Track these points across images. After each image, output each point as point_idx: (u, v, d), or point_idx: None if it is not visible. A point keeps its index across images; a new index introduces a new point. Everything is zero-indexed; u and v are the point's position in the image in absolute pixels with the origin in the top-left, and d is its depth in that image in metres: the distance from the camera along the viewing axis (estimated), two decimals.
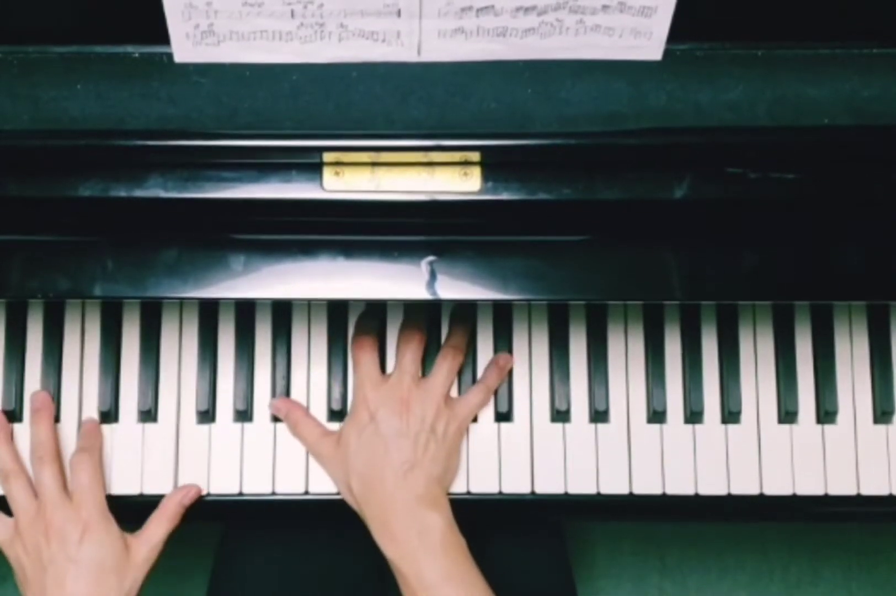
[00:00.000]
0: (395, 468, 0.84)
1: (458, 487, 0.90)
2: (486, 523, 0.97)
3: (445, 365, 0.89)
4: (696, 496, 0.90)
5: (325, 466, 0.89)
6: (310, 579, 0.98)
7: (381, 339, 0.92)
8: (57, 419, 0.91)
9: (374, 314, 0.92)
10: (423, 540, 0.82)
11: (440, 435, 0.87)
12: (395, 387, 0.88)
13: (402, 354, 0.90)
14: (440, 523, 0.83)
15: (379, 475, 0.85)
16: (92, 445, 0.89)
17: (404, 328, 0.91)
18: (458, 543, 0.83)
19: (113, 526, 0.86)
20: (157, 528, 0.87)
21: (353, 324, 0.92)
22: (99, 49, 0.75)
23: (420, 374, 0.90)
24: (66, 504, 0.85)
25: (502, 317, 0.93)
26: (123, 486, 0.90)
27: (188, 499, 0.89)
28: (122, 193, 0.75)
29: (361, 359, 0.89)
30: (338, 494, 0.90)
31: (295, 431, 0.90)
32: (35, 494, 0.87)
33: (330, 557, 1.00)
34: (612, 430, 0.91)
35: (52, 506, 0.85)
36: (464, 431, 0.90)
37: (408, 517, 0.83)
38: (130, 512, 0.89)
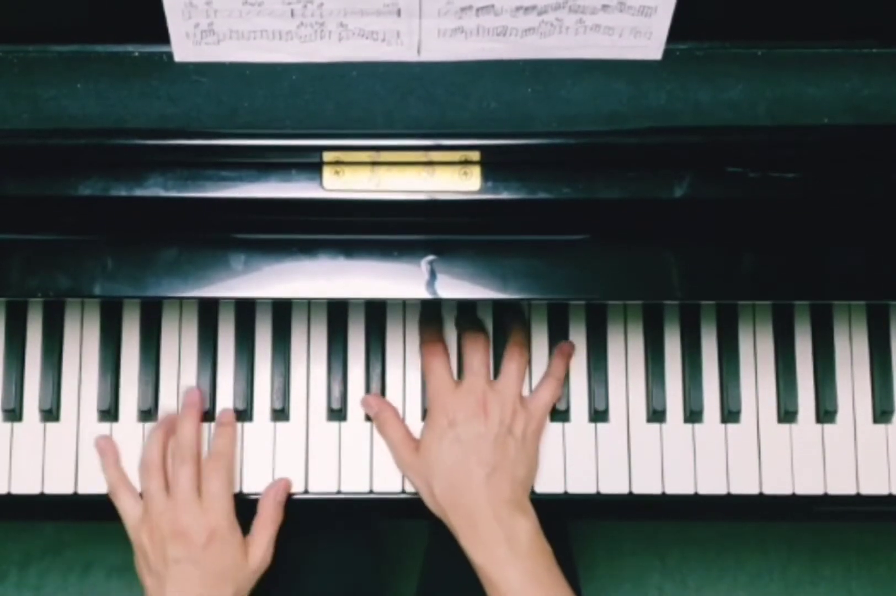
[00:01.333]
0: (478, 473, 0.84)
1: None
2: None
3: (514, 364, 0.89)
4: (696, 496, 0.90)
5: (406, 471, 0.89)
6: (313, 576, 0.98)
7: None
8: (56, 418, 0.91)
9: (434, 316, 0.92)
10: (512, 545, 0.82)
11: (519, 436, 0.86)
12: (470, 391, 0.87)
13: (469, 357, 0.89)
14: (528, 528, 0.83)
15: (463, 481, 0.84)
16: (227, 449, 0.89)
17: (467, 331, 0.91)
18: (545, 548, 0.83)
19: (237, 533, 0.86)
20: (264, 533, 0.88)
21: (353, 323, 0.92)
22: (99, 48, 0.75)
23: (491, 376, 0.90)
24: (197, 507, 0.86)
25: (502, 317, 0.93)
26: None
27: (280, 495, 0.89)
28: (122, 193, 0.75)
29: (434, 365, 0.89)
30: (336, 493, 0.90)
31: (382, 430, 0.90)
32: (167, 488, 0.87)
33: (330, 558, 1.01)
34: (611, 429, 0.91)
35: (183, 506, 0.86)
36: (542, 430, 0.90)
37: (495, 522, 0.82)
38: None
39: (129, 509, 0.88)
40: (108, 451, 0.90)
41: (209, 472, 0.88)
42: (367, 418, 0.91)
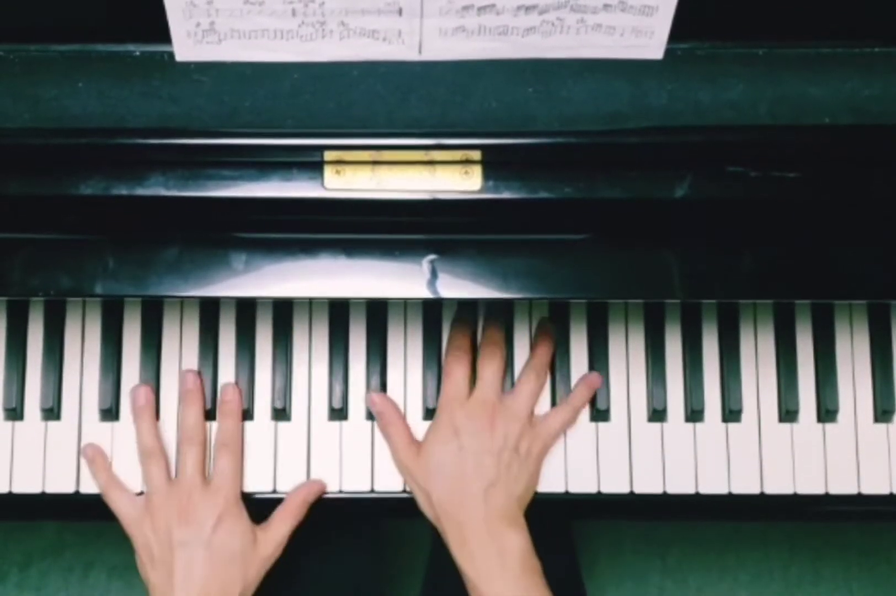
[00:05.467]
0: (476, 485, 0.84)
1: None
2: None
3: (529, 384, 0.89)
4: (697, 495, 0.90)
5: (404, 473, 0.88)
6: (313, 576, 0.98)
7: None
8: (57, 417, 0.91)
9: (467, 321, 0.91)
10: (503, 560, 0.82)
11: (523, 454, 0.86)
12: (481, 403, 0.87)
13: (484, 368, 0.89)
14: (520, 544, 0.83)
15: (460, 491, 0.84)
16: (235, 429, 0.89)
17: (487, 340, 0.90)
18: (536, 566, 0.83)
19: (245, 517, 0.86)
20: (282, 524, 0.87)
21: (354, 322, 0.92)
22: (100, 48, 0.75)
23: (502, 389, 0.89)
24: (206, 488, 0.86)
25: (503, 316, 0.93)
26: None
27: (312, 496, 0.89)
28: (124, 192, 0.75)
29: (454, 373, 0.88)
30: (338, 493, 0.90)
31: (384, 430, 0.89)
32: (170, 476, 0.87)
33: (330, 558, 1.00)
34: (612, 428, 0.91)
35: (192, 488, 0.85)
36: (547, 451, 0.89)
37: (487, 536, 0.82)
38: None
39: (125, 507, 0.87)
40: (96, 457, 0.89)
41: (220, 451, 0.87)
42: (369, 417, 0.92)
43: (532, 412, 0.89)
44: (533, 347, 0.91)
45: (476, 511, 0.83)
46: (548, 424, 0.89)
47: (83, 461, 0.90)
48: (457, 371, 0.88)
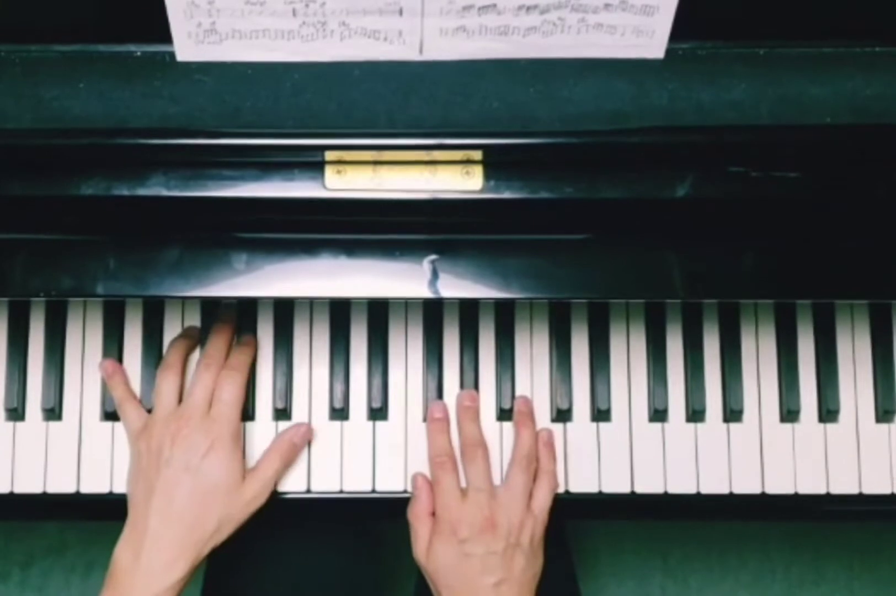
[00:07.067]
0: (486, 583, 0.83)
1: None
2: None
3: (521, 476, 0.87)
4: (698, 495, 0.90)
5: (419, 566, 0.87)
6: (312, 576, 0.98)
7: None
8: (59, 417, 0.91)
9: (443, 424, 0.90)
10: None
11: (527, 545, 0.85)
12: (475, 506, 0.85)
13: (470, 471, 0.87)
14: None
15: (470, 590, 0.83)
16: (245, 364, 0.89)
17: (463, 443, 0.89)
18: None
19: (238, 454, 0.86)
20: (269, 465, 0.87)
21: (355, 322, 0.92)
22: (101, 48, 0.75)
23: (492, 485, 0.87)
24: (205, 416, 0.85)
25: (504, 316, 0.93)
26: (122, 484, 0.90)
27: (299, 437, 0.89)
28: (125, 192, 0.75)
29: (443, 481, 0.87)
30: (339, 492, 0.90)
31: (411, 518, 0.88)
32: (180, 396, 0.87)
33: (329, 558, 1.00)
34: (614, 428, 0.91)
35: (192, 412, 0.85)
36: (544, 528, 0.88)
37: None
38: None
39: (133, 419, 0.88)
40: (115, 372, 0.90)
41: (224, 380, 0.87)
42: (370, 418, 0.92)
43: (528, 500, 0.87)
44: (518, 437, 0.90)
45: None
46: (541, 503, 0.88)
47: (95, 455, 0.90)
48: (444, 478, 0.87)
